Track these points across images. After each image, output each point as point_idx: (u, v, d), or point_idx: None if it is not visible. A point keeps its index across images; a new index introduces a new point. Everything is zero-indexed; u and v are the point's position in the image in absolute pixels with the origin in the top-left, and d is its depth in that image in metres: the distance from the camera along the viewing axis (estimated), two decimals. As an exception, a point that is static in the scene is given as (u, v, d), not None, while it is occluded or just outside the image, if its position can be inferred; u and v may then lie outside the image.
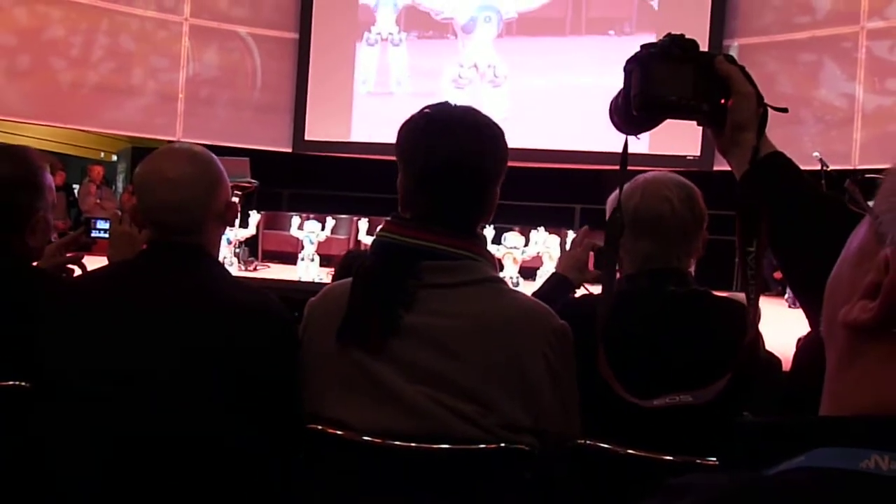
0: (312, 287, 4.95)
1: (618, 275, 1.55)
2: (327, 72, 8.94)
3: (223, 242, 5.14)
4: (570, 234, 1.77)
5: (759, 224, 0.92)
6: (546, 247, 5.61)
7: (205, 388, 1.22)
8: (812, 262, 0.57)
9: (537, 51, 8.81)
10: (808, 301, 0.87)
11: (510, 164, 1.30)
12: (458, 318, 1.20)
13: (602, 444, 1.24)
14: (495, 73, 8.94)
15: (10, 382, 1.35)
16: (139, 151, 9.84)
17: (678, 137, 6.73)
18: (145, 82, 8.47)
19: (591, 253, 1.82)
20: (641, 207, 1.45)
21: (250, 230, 6.49)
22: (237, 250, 6.58)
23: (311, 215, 6.97)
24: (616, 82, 1.02)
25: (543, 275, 4.53)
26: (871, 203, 0.51)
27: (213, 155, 1.40)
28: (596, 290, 1.15)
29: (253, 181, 6.53)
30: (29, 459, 1.30)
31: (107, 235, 1.89)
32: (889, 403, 0.46)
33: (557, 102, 8.04)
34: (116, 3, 8.29)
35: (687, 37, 0.99)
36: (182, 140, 8.13)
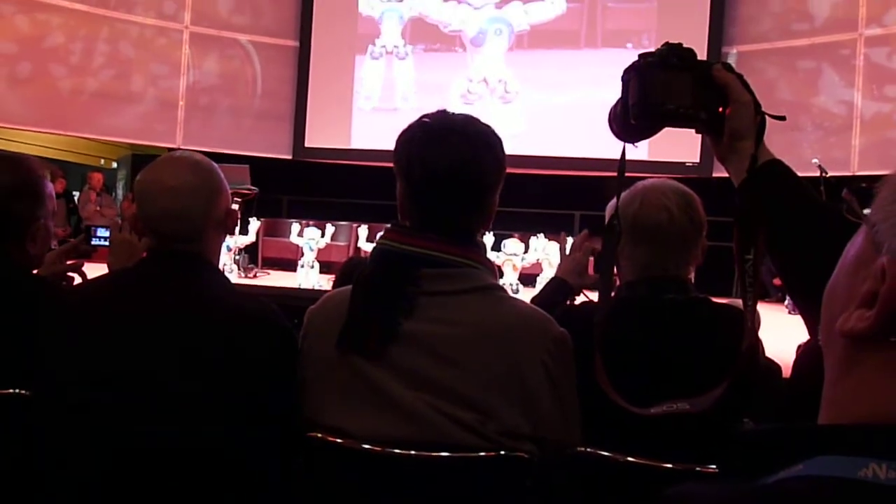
0: (312, 294, 4.95)
1: (617, 282, 1.55)
2: (327, 80, 8.88)
3: (223, 249, 5.14)
4: (570, 241, 1.77)
5: (757, 232, 0.93)
6: (545, 253, 5.62)
7: (204, 396, 1.22)
8: (810, 269, 0.57)
9: (550, 65, 8.46)
10: (807, 309, 0.87)
11: (509, 170, 1.30)
12: (458, 325, 1.20)
13: (601, 452, 1.24)
14: (506, 89, 8.65)
15: (10, 390, 1.35)
16: (139, 158, 9.86)
17: (678, 144, 6.74)
18: (145, 89, 8.49)
19: (592, 257, 1.82)
20: (640, 215, 1.46)
21: (250, 237, 6.49)
22: (237, 257, 6.58)
23: (311, 222, 6.97)
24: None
25: (543, 281, 4.53)
26: (867, 211, 0.51)
27: (213, 163, 1.41)
28: (595, 295, 1.15)
29: (253, 188, 6.53)
30: (28, 467, 1.30)
31: (107, 243, 1.89)
32: (886, 412, 0.46)
33: (571, 118, 7.74)
34: (116, 11, 8.31)
35: (684, 45, 0.99)
36: (182, 147, 8.14)
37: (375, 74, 9.07)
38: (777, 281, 5.08)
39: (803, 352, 1.67)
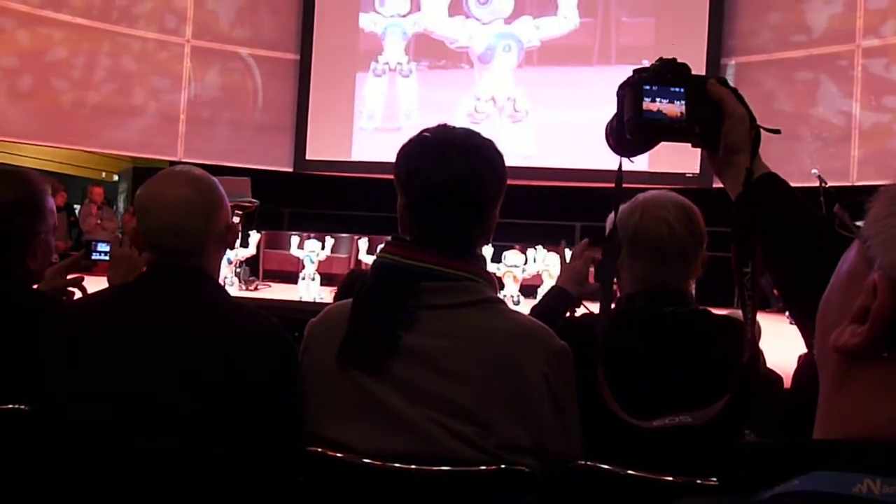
0: (313, 307, 4.95)
1: (617, 294, 1.55)
2: (328, 94, 8.85)
3: (223, 262, 5.15)
4: (568, 252, 1.77)
5: (754, 245, 0.93)
6: (546, 265, 5.62)
7: (204, 410, 1.22)
8: (806, 283, 0.58)
9: (562, 82, 8.12)
10: (804, 321, 0.87)
11: (509, 181, 1.31)
12: (458, 339, 1.20)
13: (602, 465, 1.23)
14: (515, 108, 8.33)
15: (10, 406, 1.35)
16: (141, 171, 9.88)
17: (677, 155, 6.75)
18: (147, 103, 8.53)
19: (592, 266, 1.82)
20: (640, 228, 1.46)
21: (250, 250, 6.50)
22: (238, 270, 6.58)
23: (312, 234, 6.98)
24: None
25: (544, 293, 4.53)
26: (860, 223, 0.52)
27: (213, 177, 1.41)
28: (596, 306, 1.16)
29: (254, 201, 6.56)
30: (28, 483, 1.30)
31: (107, 258, 1.90)
32: (879, 427, 0.46)
33: (583, 138, 7.16)
34: (118, 25, 8.35)
35: (679, 60, 1.00)
36: (183, 160, 8.17)
37: (378, 92, 8.81)
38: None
39: (804, 362, 1.67)
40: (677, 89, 0.98)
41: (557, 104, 8.11)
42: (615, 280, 1.53)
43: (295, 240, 6.50)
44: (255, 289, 6.82)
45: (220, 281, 1.49)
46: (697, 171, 7.28)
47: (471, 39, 8.60)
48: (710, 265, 1.55)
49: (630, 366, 1.36)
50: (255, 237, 6.45)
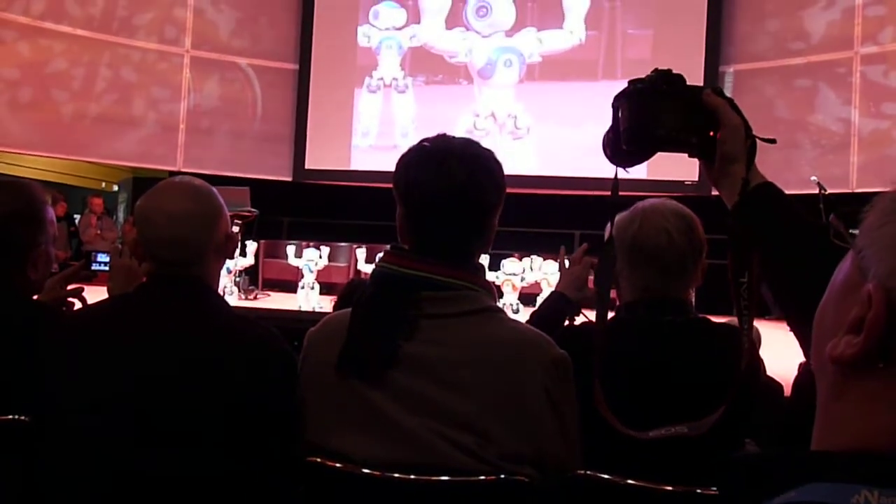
0: (312, 316, 4.94)
1: (617, 302, 1.55)
2: (326, 104, 8.80)
3: (223, 272, 5.15)
4: (566, 262, 1.77)
5: (751, 254, 0.93)
6: (544, 273, 5.62)
7: (204, 420, 1.22)
8: (804, 292, 0.58)
9: (564, 98, 7.77)
10: (801, 331, 0.87)
11: (509, 190, 1.31)
12: (457, 348, 1.20)
13: (602, 475, 1.23)
14: (516, 124, 8.01)
15: (10, 416, 1.35)
16: (140, 181, 9.90)
17: (677, 163, 6.70)
18: (146, 113, 8.55)
19: (591, 270, 1.82)
20: (640, 237, 1.46)
21: (249, 260, 6.49)
22: (237, 279, 6.58)
23: (311, 243, 6.98)
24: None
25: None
26: (857, 232, 0.52)
27: (213, 188, 1.41)
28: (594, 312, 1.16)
29: (253, 210, 6.56)
30: (28, 493, 1.30)
31: (107, 268, 1.90)
32: (875, 439, 0.46)
33: (586, 156, 6.87)
34: (118, 36, 8.38)
35: (674, 71, 1.01)
36: (183, 170, 8.18)
37: (373, 109, 8.50)
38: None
39: (804, 370, 1.67)
40: (673, 100, 0.99)
41: (560, 121, 7.78)
42: (615, 288, 1.53)
43: (291, 249, 6.48)
44: (255, 298, 6.81)
45: (220, 290, 1.49)
46: (696, 179, 7.27)
47: (470, 53, 8.29)
48: (710, 273, 1.55)
49: (629, 375, 1.36)
50: (252, 247, 6.44)
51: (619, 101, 1.01)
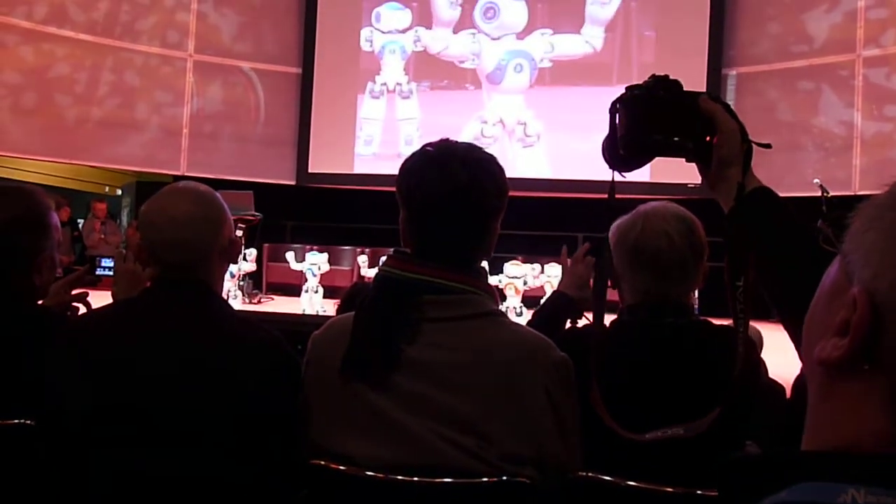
0: (316, 320, 4.95)
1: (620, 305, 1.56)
2: (330, 109, 8.76)
3: (227, 276, 5.16)
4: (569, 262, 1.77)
5: (747, 258, 0.94)
6: (547, 276, 5.62)
7: (209, 423, 1.23)
8: (799, 296, 0.59)
9: (577, 104, 7.39)
10: (796, 334, 0.88)
11: (511, 193, 1.32)
12: (460, 351, 1.21)
13: (602, 477, 1.24)
14: (526, 132, 7.72)
15: (16, 421, 1.36)
16: (144, 186, 9.92)
17: (679, 166, 6.67)
18: (149, 118, 8.57)
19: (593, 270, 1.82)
20: (641, 240, 1.47)
21: (250, 265, 6.48)
22: (241, 283, 6.59)
23: (315, 247, 6.98)
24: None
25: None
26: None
27: (217, 193, 1.43)
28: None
29: (257, 214, 6.57)
30: (34, 497, 1.30)
31: (111, 273, 1.91)
32: (862, 439, 0.47)
33: (599, 164, 6.73)
34: (121, 41, 8.41)
35: (671, 77, 1.02)
36: (186, 174, 8.21)
37: (375, 116, 8.25)
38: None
39: (803, 372, 1.67)
40: (669, 105, 1.00)
41: (572, 128, 7.44)
42: (617, 290, 1.54)
43: (291, 255, 6.46)
44: (259, 302, 6.82)
45: (224, 294, 1.50)
46: (699, 182, 7.20)
47: (479, 58, 7.99)
48: (712, 275, 1.55)
49: (629, 377, 1.37)
50: (252, 253, 6.42)
51: (617, 107, 1.02)
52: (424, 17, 8.49)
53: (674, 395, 1.36)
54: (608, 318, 1.18)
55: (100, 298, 1.72)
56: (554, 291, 1.86)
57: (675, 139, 1.00)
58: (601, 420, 1.02)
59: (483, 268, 1.35)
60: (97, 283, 2.04)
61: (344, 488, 1.21)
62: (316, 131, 8.89)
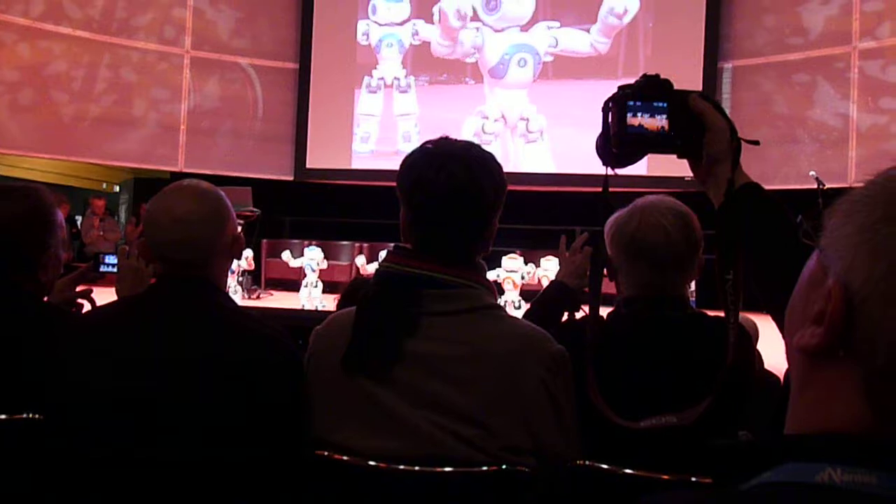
0: (316, 315, 4.97)
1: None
2: (327, 104, 8.75)
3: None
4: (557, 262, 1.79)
5: (737, 252, 0.97)
6: (545, 269, 5.64)
7: (213, 417, 1.25)
8: (784, 288, 0.62)
9: (581, 98, 7.21)
10: (782, 324, 0.91)
11: (510, 188, 1.35)
12: (459, 344, 1.24)
13: (600, 465, 1.26)
14: (528, 128, 7.52)
15: (23, 415, 1.38)
16: (141, 182, 9.93)
17: (675, 160, 6.74)
18: (147, 114, 8.58)
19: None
20: (638, 234, 1.49)
21: (246, 264, 6.49)
22: (240, 279, 6.61)
23: (313, 242, 7.00)
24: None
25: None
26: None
27: (220, 191, 1.45)
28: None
29: (255, 210, 6.59)
30: (41, 491, 1.33)
31: (115, 270, 1.93)
32: (838, 421, 0.51)
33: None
34: (118, 37, 8.41)
35: (661, 77, 1.06)
36: (184, 170, 8.22)
37: (372, 111, 8.06)
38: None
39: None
40: (660, 104, 1.03)
41: (576, 123, 7.25)
42: (614, 283, 1.56)
43: (287, 254, 6.45)
44: (258, 297, 6.85)
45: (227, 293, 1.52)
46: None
47: (481, 52, 7.76)
48: (709, 267, 1.58)
49: (626, 368, 1.39)
50: (248, 254, 6.42)
51: (609, 106, 1.05)
52: (423, 10, 8.32)
53: (670, 386, 1.38)
54: (605, 311, 1.21)
55: (103, 295, 1.73)
56: (552, 281, 1.88)
57: (665, 137, 1.04)
58: (599, 410, 1.05)
59: (482, 262, 1.38)
60: (100, 280, 2.06)
61: (348, 478, 1.23)
62: (314, 127, 8.88)
